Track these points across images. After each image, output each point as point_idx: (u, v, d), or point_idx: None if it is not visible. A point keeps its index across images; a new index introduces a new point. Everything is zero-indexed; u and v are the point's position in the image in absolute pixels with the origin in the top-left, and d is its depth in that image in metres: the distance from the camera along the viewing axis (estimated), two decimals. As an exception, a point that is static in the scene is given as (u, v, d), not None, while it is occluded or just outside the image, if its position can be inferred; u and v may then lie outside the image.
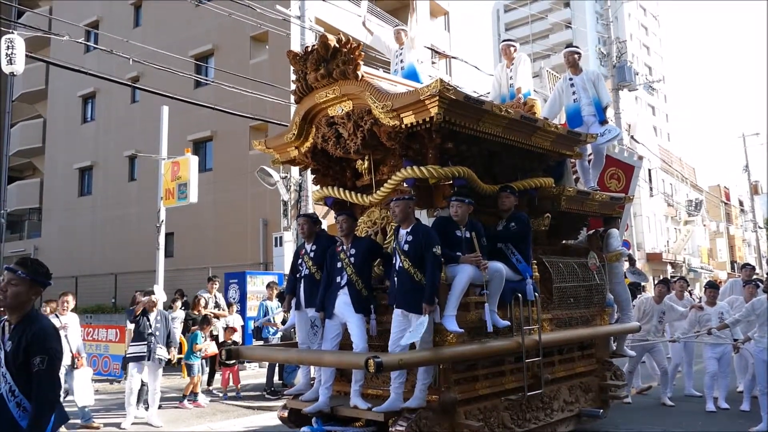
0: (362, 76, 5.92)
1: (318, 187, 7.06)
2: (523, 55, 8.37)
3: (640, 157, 9.67)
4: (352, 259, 5.84)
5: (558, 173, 7.30)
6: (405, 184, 6.03)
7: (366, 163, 6.53)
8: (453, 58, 28.87)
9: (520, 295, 6.08)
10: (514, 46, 8.32)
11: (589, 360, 7.34)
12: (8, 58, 11.02)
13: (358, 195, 6.53)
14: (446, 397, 5.51)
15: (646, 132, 40.21)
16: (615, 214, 7.74)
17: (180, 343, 11.37)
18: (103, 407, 9.55)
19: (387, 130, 5.84)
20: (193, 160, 15.01)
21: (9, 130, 32.04)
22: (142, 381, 9.09)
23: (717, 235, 56.06)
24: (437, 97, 5.38)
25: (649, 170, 39.78)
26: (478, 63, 29.02)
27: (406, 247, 5.54)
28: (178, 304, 11.80)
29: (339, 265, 5.91)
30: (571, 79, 8.30)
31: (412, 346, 5.39)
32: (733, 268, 53.90)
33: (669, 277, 14.60)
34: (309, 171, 7.07)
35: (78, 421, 8.60)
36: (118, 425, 8.59)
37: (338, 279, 5.89)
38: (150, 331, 8.80)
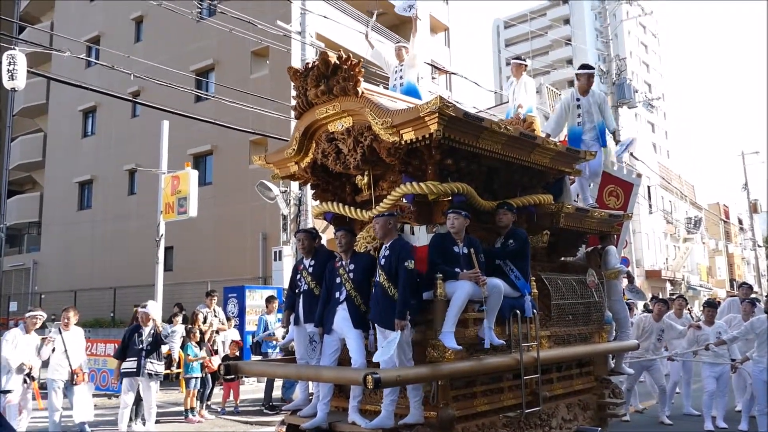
0: (362, 92, 5.95)
1: (318, 202, 7.07)
2: (528, 78, 8.47)
3: (639, 175, 9.71)
4: (351, 275, 5.85)
5: (557, 190, 7.31)
6: (404, 200, 6.04)
7: (366, 178, 6.55)
8: (453, 74, 29.05)
9: (518, 311, 6.09)
10: (523, 64, 8.41)
11: (588, 377, 7.31)
12: (10, 74, 11.08)
13: (358, 210, 6.55)
14: (444, 413, 5.49)
15: (645, 149, 40.32)
16: (614, 231, 7.76)
17: (179, 358, 11.37)
18: (100, 422, 9.55)
19: (387, 146, 5.87)
20: (193, 174, 15.09)
21: (9, 144, 32.22)
22: (138, 396, 9.06)
23: (716, 253, 56.10)
24: (437, 114, 5.41)
25: (649, 187, 39.91)
26: (478, 79, 29.08)
27: (382, 261, 5.60)
28: (179, 318, 11.79)
29: (338, 280, 5.92)
30: (578, 99, 8.27)
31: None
32: (732, 285, 53.87)
33: (669, 296, 14.61)
34: (309, 186, 7.09)
35: None
36: None
37: (337, 294, 5.89)
38: (141, 346, 8.77)
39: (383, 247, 5.75)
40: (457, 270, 5.70)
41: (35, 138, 32.04)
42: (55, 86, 29.21)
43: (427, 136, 5.57)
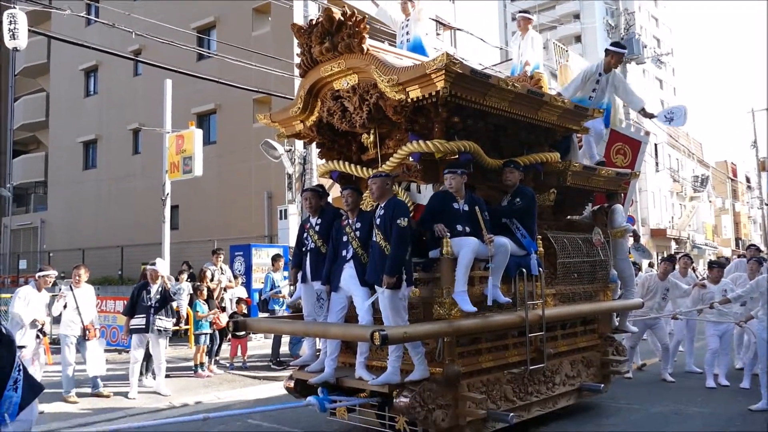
0: (368, 49, 5.90)
1: (324, 161, 7.07)
2: (536, 33, 8.36)
3: (647, 133, 9.67)
4: (357, 233, 5.88)
5: (564, 148, 7.29)
6: (410, 158, 6.04)
7: (372, 137, 6.54)
8: (458, 29, 28.67)
9: (524, 270, 6.13)
10: (529, 19, 8.30)
11: (592, 335, 7.40)
12: (11, 33, 11.02)
13: (364, 169, 6.55)
14: (450, 369, 5.58)
15: (653, 106, 39.98)
16: (621, 189, 7.75)
17: (187, 315, 11.52)
18: (112, 377, 9.72)
19: (393, 104, 5.84)
20: (198, 134, 15.03)
21: (12, 104, 32.08)
22: (148, 352, 9.27)
23: (722, 212, 55.98)
24: (443, 71, 5.37)
25: (656, 145, 39.65)
26: (483, 35, 28.67)
27: (378, 220, 5.64)
28: (184, 276, 11.90)
29: (345, 239, 5.95)
30: (600, 75, 8.22)
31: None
32: (737, 245, 53.95)
33: (674, 254, 14.60)
34: (314, 145, 7.07)
35: (89, 389, 8.86)
36: (126, 394, 8.78)
37: (344, 252, 5.93)
38: (149, 303, 8.93)
39: (378, 206, 5.78)
40: (459, 227, 5.73)
41: (38, 98, 31.87)
42: (55, 45, 28.95)
43: (433, 93, 5.54)
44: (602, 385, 7.10)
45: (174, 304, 9.53)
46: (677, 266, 10.18)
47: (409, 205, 6.06)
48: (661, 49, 44.25)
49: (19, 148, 33.24)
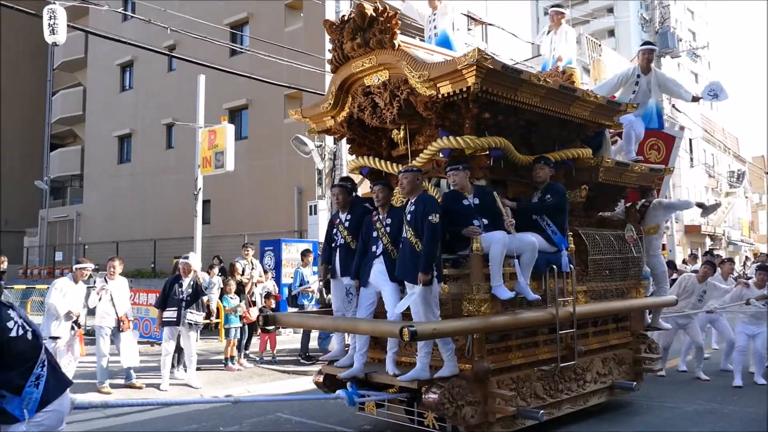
0: (399, 45, 5.88)
1: (354, 156, 7.07)
2: (569, 27, 8.24)
3: (682, 128, 9.45)
4: (387, 229, 5.87)
5: (596, 144, 7.20)
6: (441, 155, 6.02)
7: (402, 132, 6.53)
8: (489, 24, 28.45)
9: (555, 266, 6.07)
10: (562, 13, 8.19)
11: (624, 332, 7.31)
12: (51, 28, 11.12)
13: (394, 165, 6.54)
14: (479, 366, 5.55)
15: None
16: (654, 186, 7.62)
17: (218, 309, 11.64)
18: (144, 368, 9.87)
19: (423, 99, 5.82)
20: (230, 129, 15.11)
21: (51, 99, 32.74)
22: (179, 345, 9.39)
23: (759, 208, 54.80)
24: (475, 67, 5.34)
25: (690, 140, 38.93)
26: (515, 30, 28.43)
27: (408, 216, 5.61)
28: (215, 270, 12.01)
29: (375, 234, 5.96)
30: (638, 76, 8.15)
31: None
32: (774, 241, 52.76)
33: (711, 254, 14.14)
34: (344, 140, 7.08)
35: (122, 380, 8.97)
36: (158, 386, 8.92)
37: (374, 248, 5.94)
38: (181, 297, 9.04)
39: (409, 203, 5.74)
40: (476, 222, 5.68)
41: (75, 92, 32.34)
42: (93, 40, 29.33)
43: (464, 89, 5.51)
44: (634, 383, 7.00)
45: (204, 298, 9.62)
46: (719, 270, 9.94)
47: (438, 201, 6.04)
48: (697, 42, 43.43)
49: (56, 141, 33.86)
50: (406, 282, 5.55)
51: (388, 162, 6.63)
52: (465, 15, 28.27)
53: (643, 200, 8.08)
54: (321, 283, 9.90)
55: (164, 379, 8.96)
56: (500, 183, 6.58)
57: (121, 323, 8.77)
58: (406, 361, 6.00)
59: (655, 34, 34.42)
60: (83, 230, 29.91)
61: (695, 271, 10.07)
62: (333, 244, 6.45)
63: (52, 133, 33.11)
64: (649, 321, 7.87)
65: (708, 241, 40.35)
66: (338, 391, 5.70)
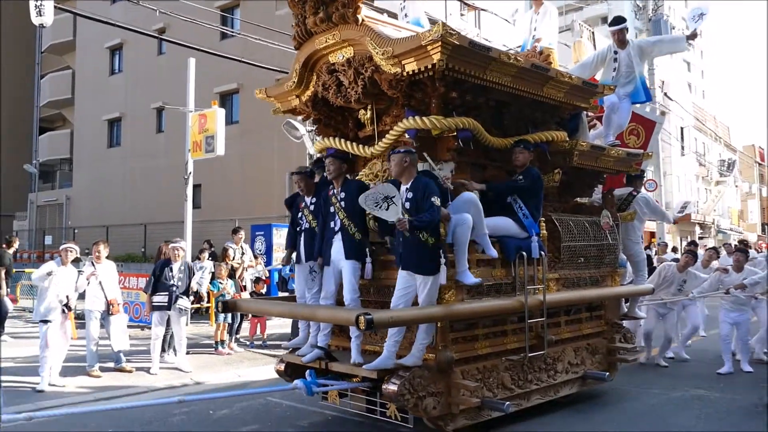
0: (363, 20, 5.56)
1: (320, 137, 6.76)
2: (552, 6, 7.87)
3: (663, 113, 9.11)
4: (342, 204, 5.59)
5: (573, 127, 6.90)
6: (407, 136, 5.70)
7: (369, 113, 6.22)
8: (482, 10, 28.02)
9: (524, 253, 5.79)
10: None
11: (598, 321, 7.03)
12: (37, 9, 10.89)
13: (360, 146, 6.22)
14: (443, 356, 5.29)
15: (679, 89, 38.91)
16: (632, 170, 7.33)
17: (208, 293, 11.44)
18: (134, 352, 9.80)
19: (388, 77, 5.51)
20: (220, 113, 14.84)
21: (39, 82, 32.27)
22: (169, 329, 9.31)
23: (749, 197, 54.64)
24: (440, 43, 5.02)
25: (682, 128, 38.67)
26: (508, 15, 28.04)
27: (407, 204, 5.23)
28: (206, 255, 11.83)
29: (332, 209, 5.68)
30: (616, 52, 7.74)
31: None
32: (764, 230, 52.66)
33: (693, 243, 13.80)
34: (311, 121, 6.78)
35: (112, 363, 8.83)
36: (148, 370, 8.78)
37: (332, 224, 5.67)
38: (172, 282, 8.90)
39: (403, 189, 5.36)
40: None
41: (64, 75, 31.91)
42: (81, 23, 28.86)
43: (429, 66, 5.20)
44: (607, 374, 6.72)
45: (193, 284, 9.48)
46: (700, 259, 9.65)
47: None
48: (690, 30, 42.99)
49: (45, 125, 33.42)
50: (417, 275, 5.16)
51: (354, 143, 6.30)
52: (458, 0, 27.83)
53: (631, 189, 7.80)
54: (286, 267, 9.70)
55: (154, 363, 8.83)
56: (478, 166, 6.31)
57: (111, 307, 8.63)
58: (370, 349, 5.74)
59: (648, 21, 34.00)
60: (73, 214, 29.59)
61: (676, 260, 9.77)
62: (298, 228, 6.16)
63: (41, 116, 32.69)
64: (626, 310, 7.61)
65: (698, 230, 40.16)
66: (296, 381, 5.40)
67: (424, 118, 5.51)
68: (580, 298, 6.56)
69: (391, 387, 5.06)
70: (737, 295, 8.30)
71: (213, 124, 14.63)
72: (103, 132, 29.07)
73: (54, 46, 31.59)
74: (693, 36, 7.72)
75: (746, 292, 8.27)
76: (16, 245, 13.21)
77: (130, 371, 8.70)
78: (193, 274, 9.33)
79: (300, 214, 6.15)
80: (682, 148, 38.82)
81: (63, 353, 8.18)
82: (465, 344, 5.59)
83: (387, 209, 5.04)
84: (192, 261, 10.97)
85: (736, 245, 11.75)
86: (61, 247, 8.60)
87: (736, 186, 50.55)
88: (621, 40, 7.65)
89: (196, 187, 18.55)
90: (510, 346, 5.94)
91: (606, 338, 7.07)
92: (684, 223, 38.32)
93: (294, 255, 6.19)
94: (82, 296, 8.81)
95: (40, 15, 10.94)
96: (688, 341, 9.64)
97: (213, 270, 11.16)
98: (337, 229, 5.63)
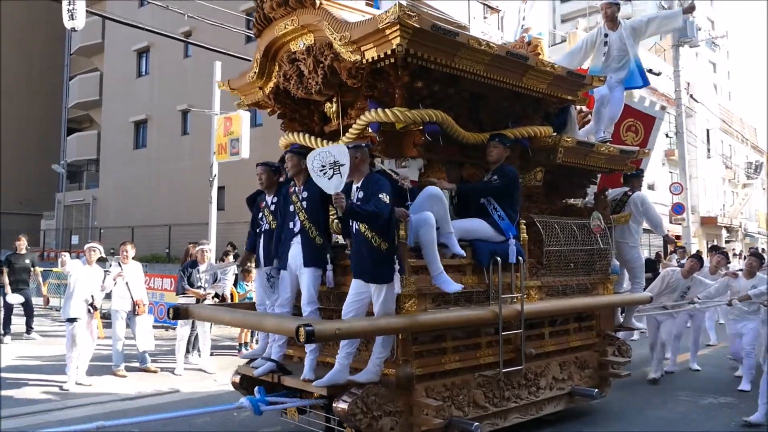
0: (320, 3, 4.96)
1: (287, 133, 6.16)
2: None
3: (663, 108, 8.27)
4: (304, 204, 4.99)
5: (560, 122, 6.20)
6: (370, 130, 5.09)
7: (334, 106, 5.62)
8: (498, 11, 27.39)
9: (499, 258, 5.13)
10: None
11: (588, 333, 6.30)
12: (70, 13, 10.90)
13: (326, 142, 5.61)
14: (402, 371, 4.67)
15: (705, 90, 37.50)
16: (627, 169, 6.56)
17: (232, 295, 11.07)
18: (159, 353, 9.66)
19: (347, 66, 4.91)
20: (245, 116, 14.52)
21: (68, 83, 32.33)
22: (193, 330, 9.17)
23: (777, 199, 52.57)
24: (398, 26, 4.41)
25: (708, 131, 37.22)
26: (531, 19, 27.06)
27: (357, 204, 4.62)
28: (230, 257, 11.45)
29: (292, 208, 5.08)
30: (606, 35, 6.92)
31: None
32: (792, 233, 50.63)
33: (712, 248, 12.78)
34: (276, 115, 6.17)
35: (137, 363, 8.71)
36: (172, 370, 8.59)
37: (291, 225, 5.07)
38: (199, 284, 8.76)
39: (354, 188, 4.75)
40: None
41: (92, 77, 31.85)
42: (110, 26, 28.77)
43: (389, 52, 4.59)
44: (596, 390, 5.97)
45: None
46: (707, 265, 8.80)
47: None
48: (715, 31, 41.45)
49: (73, 126, 33.44)
50: (373, 284, 4.55)
51: (319, 139, 5.70)
52: (481, 2, 27.14)
53: (627, 189, 7.06)
54: (239, 269, 9.42)
55: (179, 364, 8.66)
56: (454, 164, 5.70)
57: (137, 307, 8.48)
58: (330, 362, 5.12)
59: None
60: (99, 214, 29.53)
61: (682, 265, 8.90)
62: (258, 230, 5.59)
63: (69, 117, 32.73)
64: (621, 320, 6.87)
65: (724, 233, 38.66)
66: (242, 399, 4.80)
67: (386, 111, 4.89)
68: (566, 308, 5.85)
69: (341, 406, 4.46)
70: (742, 308, 7.43)
71: (238, 127, 14.37)
72: (130, 133, 28.96)
73: (83, 49, 31.59)
74: (690, 9, 6.87)
75: (751, 303, 7.35)
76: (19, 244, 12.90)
77: (155, 371, 8.57)
78: (216, 280, 9.09)
79: (260, 214, 5.59)
80: (708, 150, 37.40)
81: (90, 353, 8.09)
82: (430, 358, 4.95)
83: (330, 178, 4.37)
84: (216, 263, 10.77)
85: (754, 250, 10.79)
86: (85, 247, 8.49)
87: (764, 188, 48.66)
88: (611, 19, 6.84)
89: (221, 189, 18.25)
90: (484, 360, 5.28)
91: (597, 351, 6.35)
92: (710, 226, 36.92)
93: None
94: (108, 296, 8.77)
95: (73, 19, 10.96)
96: (698, 351, 8.86)
97: (237, 272, 10.83)
98: (296, 230, 5.04)
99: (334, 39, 4.85)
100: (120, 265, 8.59)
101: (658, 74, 27.99)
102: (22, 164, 30.93)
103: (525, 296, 5.39)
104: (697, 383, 8.01)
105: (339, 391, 4.60)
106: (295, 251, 5.02)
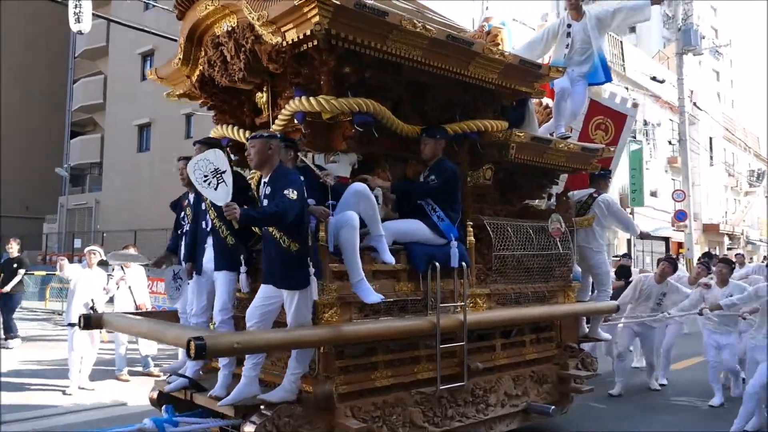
0: (239, -21, 4.39)
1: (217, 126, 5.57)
2: None
3: (635, 105, 7.57)
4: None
5: (517, 117, 5.58)
6: (295, 120, 4.51)
7: (264, 95, 5.03)
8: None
9: (437, 263, 4.52)
10: None
11: (547, 345, 5.66)
12: (76, 16, 10.83)
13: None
14: (319, 389, 4.06)
15: (708, 99, 36.64)
16: (590, 168, 5.91)
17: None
18: (162, 357, 9.38)
19: (267, 48, 4.33)
20: (247, 119, 14.08)
21: (72, 86, 32.03)
22: None
23: (780, 207, 51.39)
24: (315, 2, 3.83)
25: (711, 138, 36.38)
26: (536, 24, 26.37)
27: (265, 202, 4.00)
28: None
29: (203, 206, 4.51)
30: (569, 25, 6.25)
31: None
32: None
33: (700, 258, 12.02)
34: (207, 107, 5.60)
35: (140, 368, 8.62)
36: None
37: (203, 224, 4.51)
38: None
39: (262, 183, 4.16)
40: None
41: (96, 80, 31.45)
42: (114, 29, 28.44)
43: (309, 33, 4.00)
44: (552, 407, 5.33)
45: None
46: (680, 270, 8.12)
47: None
48: (719, 39, 40.53)
49: (76, 129, 33.09)
50: (281, 289, 3.99)
51: (248, 132, 5.10)
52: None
53: (592, 191, 6.41)
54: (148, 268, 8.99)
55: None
56: (398, 160, 5.12)
57: (140, 311, 7.95)
58: (268, 380, 4.48)
59: (678, 31, 31.92)
60: (102, 218, 29.15)
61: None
62: (180, 231, 5.02)
63: (73, 120, 32.40)
64: (587, 331, 6.22)
65: (726, 240, 37.71)
66: (145, 420, 4.21)
67: (311, 99, 4.30)
68: (517, 318, 5.21)
69: (248, 429, 3.86)
70: (711, 318, 6.79)
71: (240, 132, 13.93)
72: (133, 137, 28.59)
73: (87, 52, 31.25)
74: (658, 0, 6.17)
75: (724, 313, 6.69)
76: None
77: (157, 376, 8.09)
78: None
79: (182, 214, 5.03)
80: (711, 158, 36.53)
81: (92, 357, 7.94)
82: (357, 374, 4.34)
83: (216, 188, 3.79)
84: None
85: (723, 257, 10.00)
86: (85, 250, 8.32)
87: (766, 197, 47.60)
88: (575, 8, 6.16)
89: (223, 193, 17.79)
90: (422, 375, 4.67)
91: (557, 364, 5.70)
92: (712, 233, 36.02)
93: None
94: (111, 300, 8.61)
95: (79, 22, 10.86)
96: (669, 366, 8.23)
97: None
98: (208, 229, 4.47)
99: (253, 18, 4.28)
100: (122, 268, 8.41)
101: (662, 82, 27.32)
102: (25, 167, 30.60)
103: (470, 305, 4.79)
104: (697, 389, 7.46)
105: (251, 410, 4.03)
106: (208, 255, 4.44)
